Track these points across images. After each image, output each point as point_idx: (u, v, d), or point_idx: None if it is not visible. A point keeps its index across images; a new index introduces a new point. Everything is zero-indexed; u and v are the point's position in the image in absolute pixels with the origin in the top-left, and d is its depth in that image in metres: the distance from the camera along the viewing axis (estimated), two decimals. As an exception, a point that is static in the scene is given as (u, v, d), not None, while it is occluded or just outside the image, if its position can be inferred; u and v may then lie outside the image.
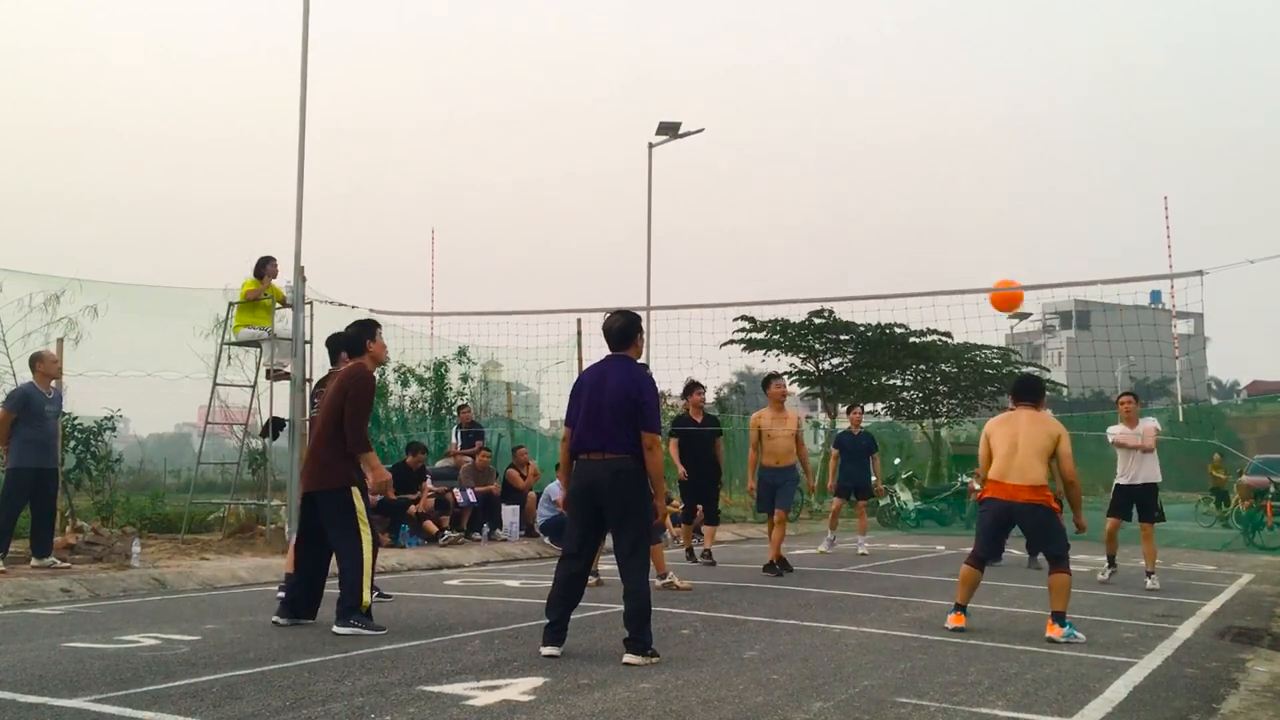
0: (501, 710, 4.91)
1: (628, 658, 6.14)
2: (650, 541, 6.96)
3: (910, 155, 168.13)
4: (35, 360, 10.45)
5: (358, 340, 7.73)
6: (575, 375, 16.91)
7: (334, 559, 7.31)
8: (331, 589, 7.39)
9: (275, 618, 7.40)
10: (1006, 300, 11.71)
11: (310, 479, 7.32)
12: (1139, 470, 11.08)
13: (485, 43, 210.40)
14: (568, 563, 6.49)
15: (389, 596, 8.82)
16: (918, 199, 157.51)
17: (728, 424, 26.06)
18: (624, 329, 6.65)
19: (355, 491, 7.21)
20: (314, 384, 10.13)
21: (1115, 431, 11.27)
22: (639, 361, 6.80)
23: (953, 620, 7.66)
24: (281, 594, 8.62)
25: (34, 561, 9.96)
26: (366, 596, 7.03)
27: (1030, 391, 8.06)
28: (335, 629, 6.87)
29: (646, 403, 6.42)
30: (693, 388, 12.32)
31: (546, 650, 6.27)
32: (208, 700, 5.02)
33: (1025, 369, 37.91)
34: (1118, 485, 11.31)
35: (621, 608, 6.30)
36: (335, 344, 8.68)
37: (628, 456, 6.37)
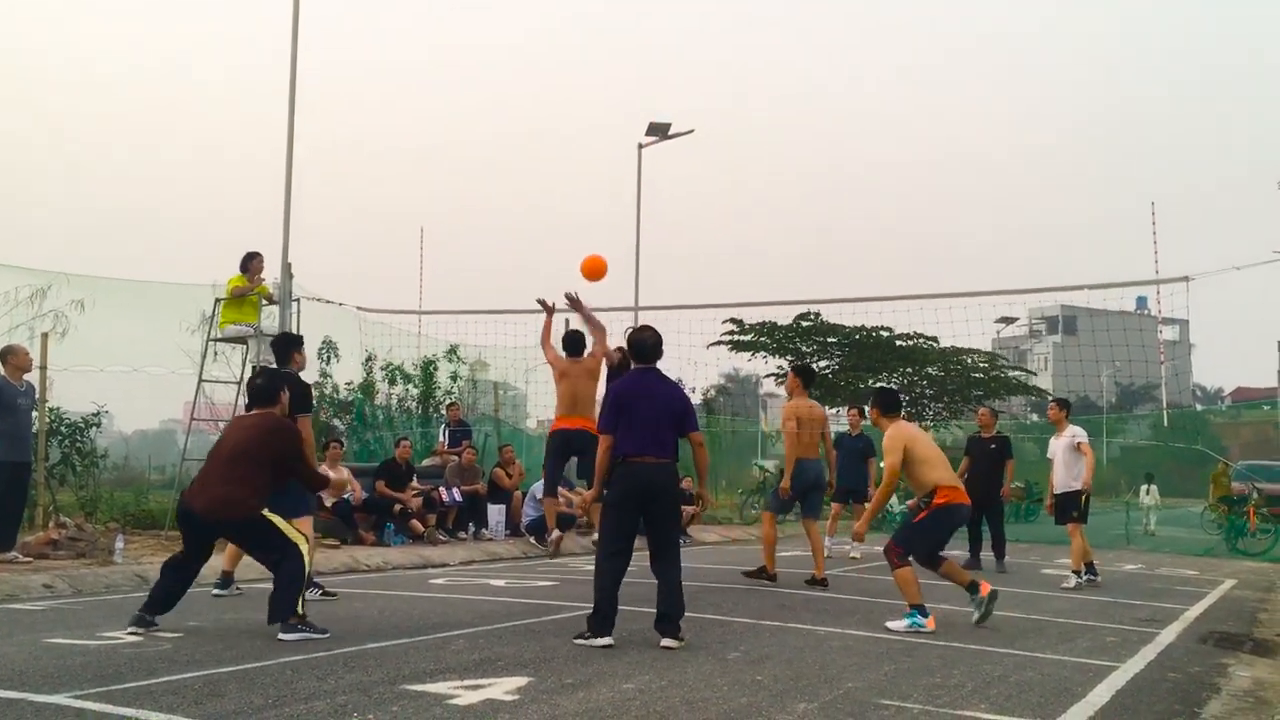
0: (485, 710, 4.91)
1: (668, 642, 6.59)
2: None
3: (897, 162, 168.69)
4: (6, 353, 10.34)
5: (270, 392, 7.28)
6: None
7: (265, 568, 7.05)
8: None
9: (143, 615, 6.78)
10: (593, 269, 11.29)
11: (208, 508, 6.80)
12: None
13: (474, 43, 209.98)
14: (617, 559, 6.82)
15: (333, 595, 8.68)
16: (902, 206, 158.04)
17: (714, 425, 26.27)
18: (657, 345, 7.22)
19: (265, 512, 6.89)
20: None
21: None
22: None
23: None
24: (218, 593, 8.53)
25: None
26: (300, 605, 6.78)
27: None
28: (281, 636, 6.60)
29: (691, 410, 7.23)
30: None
31: (604, 641, 6.55)
32: (189, 697, 4.99)
33: (1012, 373, 38.06)
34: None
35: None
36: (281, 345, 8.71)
37: (674, 461, 7.02)
